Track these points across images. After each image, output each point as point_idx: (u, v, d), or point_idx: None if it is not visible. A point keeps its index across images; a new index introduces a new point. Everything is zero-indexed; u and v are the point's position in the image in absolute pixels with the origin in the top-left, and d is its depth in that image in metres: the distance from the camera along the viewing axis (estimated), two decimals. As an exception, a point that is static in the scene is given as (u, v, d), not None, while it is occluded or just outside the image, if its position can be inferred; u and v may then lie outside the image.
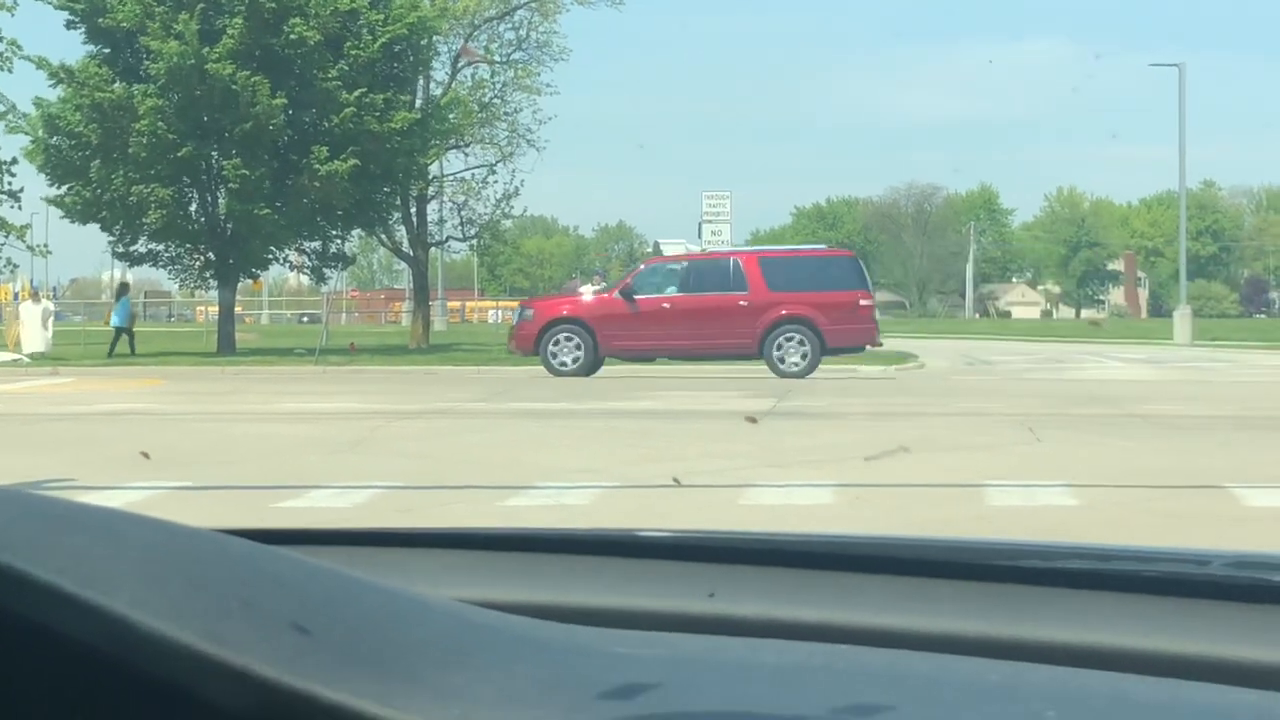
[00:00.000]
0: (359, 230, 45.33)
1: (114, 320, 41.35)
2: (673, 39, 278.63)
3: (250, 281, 45.47)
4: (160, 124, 35.82)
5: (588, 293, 38.68)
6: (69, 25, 38.51)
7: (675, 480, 12.32)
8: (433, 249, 50.20)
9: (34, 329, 38.94)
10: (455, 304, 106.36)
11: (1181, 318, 52.32)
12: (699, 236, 37.74)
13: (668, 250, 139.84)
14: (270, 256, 42.13)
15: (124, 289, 43.01)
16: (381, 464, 14.42)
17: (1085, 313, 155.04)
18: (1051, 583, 1.67)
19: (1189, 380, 29.16)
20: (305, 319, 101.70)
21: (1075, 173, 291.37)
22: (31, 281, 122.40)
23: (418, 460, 14.85)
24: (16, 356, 36.78)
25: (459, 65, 47.38)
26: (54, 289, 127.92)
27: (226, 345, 39.58)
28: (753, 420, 19.46)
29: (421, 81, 44.63)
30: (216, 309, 43.87)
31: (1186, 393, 24.74)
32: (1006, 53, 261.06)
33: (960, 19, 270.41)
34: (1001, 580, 1.69)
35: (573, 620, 1.45)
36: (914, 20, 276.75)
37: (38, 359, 36.85)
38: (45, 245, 48.07)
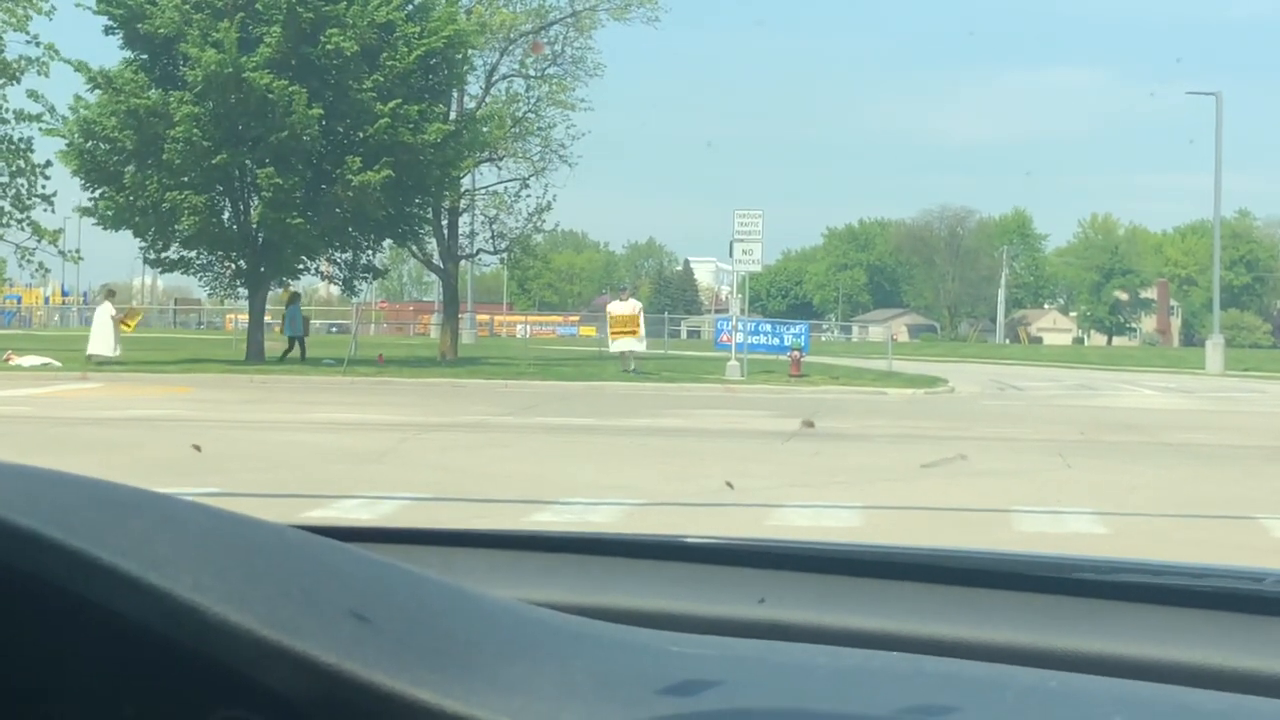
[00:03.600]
0: (390, 242, 45.34)
1: (287, 330, 41.50)
2: (708, 58, 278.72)
3: (280, 290, 45.44)
4: (195, 131, 35.87)
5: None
6: (108, 31, 38.59)
7: (729, 484, 12.36)
8: (463, 262, 50.20)
9: (102, 330, 38.29)
10: (484, 317, 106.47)
11: (1214, 347, 52.08)
12: (730, 255, 37.61)
13: (697, 268, 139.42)
14: (302, 266, 42.20)
15: (295, 298, 42.96)
16: (408, 476, 14.44)
17: (1116, 339, 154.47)
18: (1103, 595, 1.68)
19: (1220, 410, 29.00)
20: (334, 329, 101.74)
21: (1110, 200, 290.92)
22: (63, 287, 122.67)
23: (444, 473, 14.86)
24: (46, 360, 36.76)
25: (527, 60, 47.33)
26: (84, 294, 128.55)
27: (255, 353, 39.60)
28: (810, 425, 19.54)
29: (456, 94, 44.67)
30: (246, 317, 43.94)
31: (1218, 422, 24.60)
32: (1042, 79, 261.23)
33: (996, 45, 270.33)
34: (1053, 592, 1.68)
35: (621, 622, 1.44)
36: (950, 45, 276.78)
37: (102, 363, 36.31)
38: (77, 251, 48.24)
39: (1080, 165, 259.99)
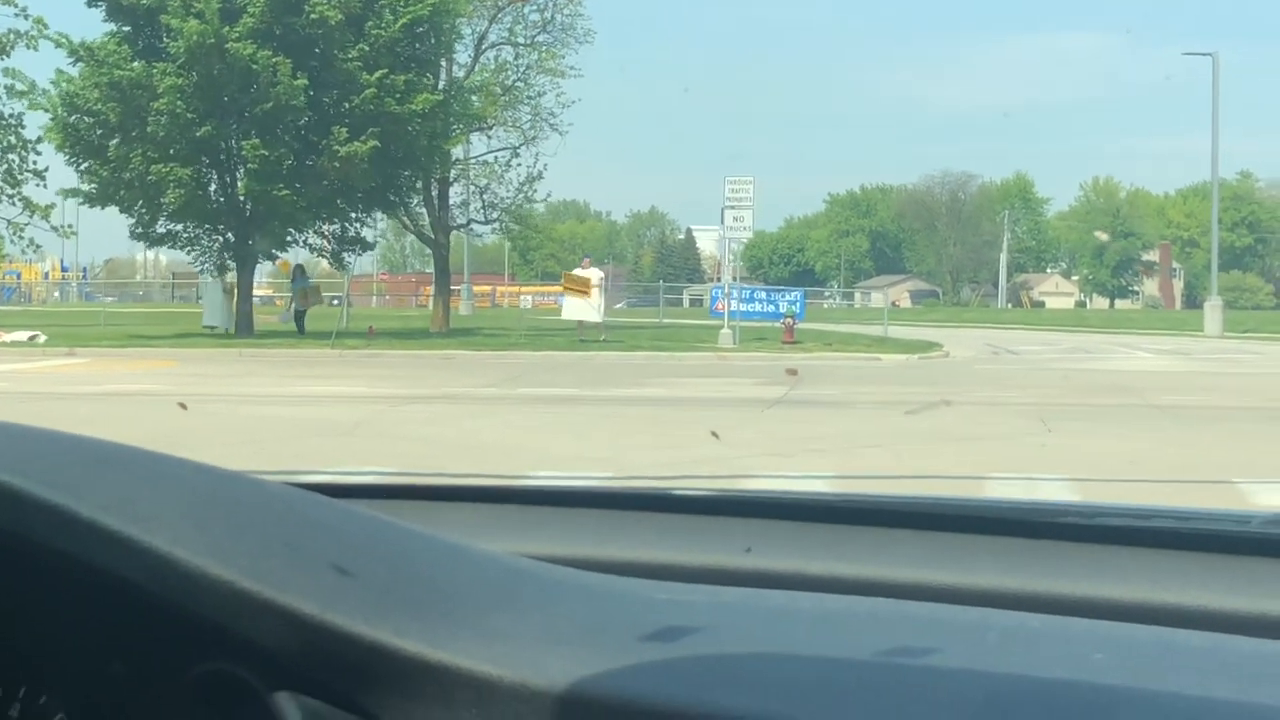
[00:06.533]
0: (381, 213, 45.12)
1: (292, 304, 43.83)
2: (710, 25, 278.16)
3: (271, 263, 45.53)
4: (179, 103, 35.61)
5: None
6: (90, 3, 38.29)
7: (714, 434, 12.37)
8: (456, 232, 49.95)
9: (214, 300, 41.01)
10: (485, 288, 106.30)
11: (1212, 309, 51.82)
12: (721, 222, 37.41)
13: (700, 237, 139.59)
14: (290, 238, 41.90)
15: (299, 270, 44.73)
16: (383, 448, 14.28)
17: (1119, 303, 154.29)
18: (1088, 539, 1.68)
19: (1213, 371, 28.81)
20: (335, 302, 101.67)
21: (1111, 163, 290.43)
22: (62, 263, 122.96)
23: (420, 445, 14.72)
24: (33, 334, 36.66)
25: (516, 26, 47.14)
26: (84, 270, 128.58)
27: (244, 327, 39.36)
28: (794, 372, 19.49)
29: (444, 63, 44.36)
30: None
31: (1209, 384, 24.43)
32: (1043, 44, 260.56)
33: (997, 9, 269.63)
34: (1039, 537, 1.69)
35: (607, 573, 1.45)
36: (951, 10, 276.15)
37: (216, 334, 38.84)
38: (70, 226, 48.14)
39: (1082, 129, 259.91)
